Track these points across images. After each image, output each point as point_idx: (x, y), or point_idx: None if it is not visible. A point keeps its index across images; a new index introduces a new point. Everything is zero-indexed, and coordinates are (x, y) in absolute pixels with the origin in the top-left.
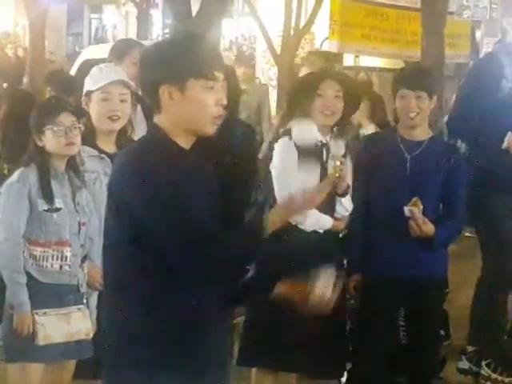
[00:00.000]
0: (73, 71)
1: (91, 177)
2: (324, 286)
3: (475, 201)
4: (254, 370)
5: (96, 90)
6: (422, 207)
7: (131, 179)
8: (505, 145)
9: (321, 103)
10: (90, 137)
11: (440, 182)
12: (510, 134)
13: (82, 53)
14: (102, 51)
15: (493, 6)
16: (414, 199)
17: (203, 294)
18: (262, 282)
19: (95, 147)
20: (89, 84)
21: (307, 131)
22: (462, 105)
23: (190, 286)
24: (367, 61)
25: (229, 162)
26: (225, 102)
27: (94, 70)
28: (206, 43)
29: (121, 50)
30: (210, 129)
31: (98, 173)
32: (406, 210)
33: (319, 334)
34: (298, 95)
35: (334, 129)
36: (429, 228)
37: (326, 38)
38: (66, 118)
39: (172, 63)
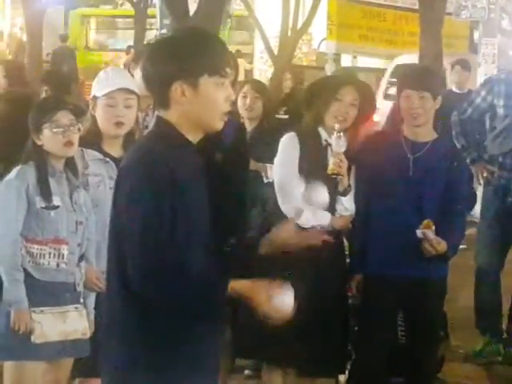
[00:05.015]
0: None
1: (95, 180)
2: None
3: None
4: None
5: (101, 95)
6: (434, 227)
7: (138, 175)
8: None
9: (337, 108)
10: (95, 140)
11: (442, 184)
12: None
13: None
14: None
15: (491, 6)
16: (425, 221)
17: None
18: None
19: (101, 151)
20: (95, 89)
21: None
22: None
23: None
24: (365, 61)
25: (220, 160)
26: (233, 97)
27: (101, 74)
28: (218, 39)
29: None
30: (219, 125)
31: (103, 176)
32: (419, 232)
33: (320, 331)
34: (316, 95)
35: (336, 126)
36: (443, 247)
37: (324, 39)
38: (65, 117)
39: (187, 59)
